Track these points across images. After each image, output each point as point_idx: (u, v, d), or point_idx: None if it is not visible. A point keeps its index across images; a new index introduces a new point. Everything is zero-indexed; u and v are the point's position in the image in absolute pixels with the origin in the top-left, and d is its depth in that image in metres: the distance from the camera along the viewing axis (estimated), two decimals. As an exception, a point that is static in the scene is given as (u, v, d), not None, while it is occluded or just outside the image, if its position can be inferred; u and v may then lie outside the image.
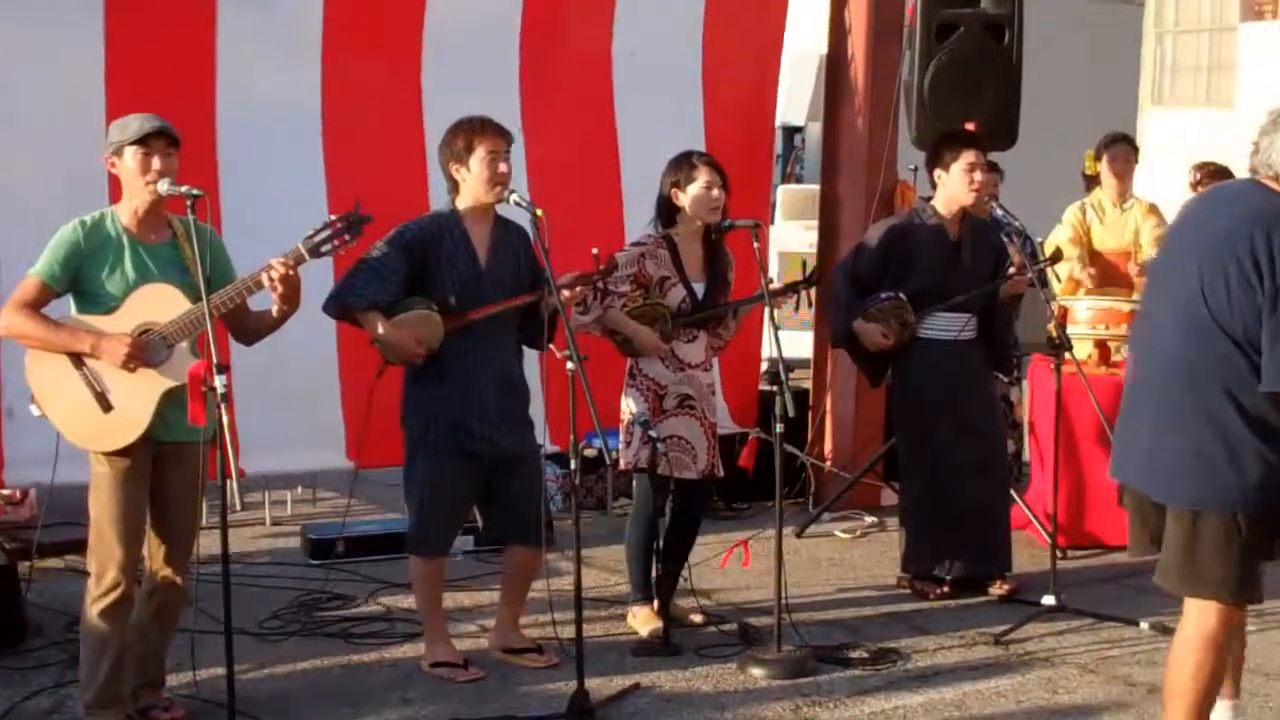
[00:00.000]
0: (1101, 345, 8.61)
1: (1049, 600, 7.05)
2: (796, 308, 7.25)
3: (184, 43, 7.19)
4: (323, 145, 7.55)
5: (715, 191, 6.67)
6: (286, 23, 7.46)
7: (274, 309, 5.43)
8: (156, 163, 5.21)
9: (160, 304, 5.23)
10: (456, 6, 7.86)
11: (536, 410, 6.45)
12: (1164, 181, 11.38)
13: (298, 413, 7.45)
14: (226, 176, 7.24)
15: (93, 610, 5.32)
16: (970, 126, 8.01)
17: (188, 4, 7.21)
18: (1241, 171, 5.00)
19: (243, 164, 7.28)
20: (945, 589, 7.43)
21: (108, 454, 5.25)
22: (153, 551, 5.45)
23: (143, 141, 5.20)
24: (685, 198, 6.69)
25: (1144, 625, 6.90)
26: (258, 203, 7.11)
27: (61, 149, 6.61)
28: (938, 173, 7.42)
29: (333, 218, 5.48)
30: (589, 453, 8.31)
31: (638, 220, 7.03)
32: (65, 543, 7.03)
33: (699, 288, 6.78)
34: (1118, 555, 8.22)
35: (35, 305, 5.22)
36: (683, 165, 6.73)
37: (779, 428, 6.33)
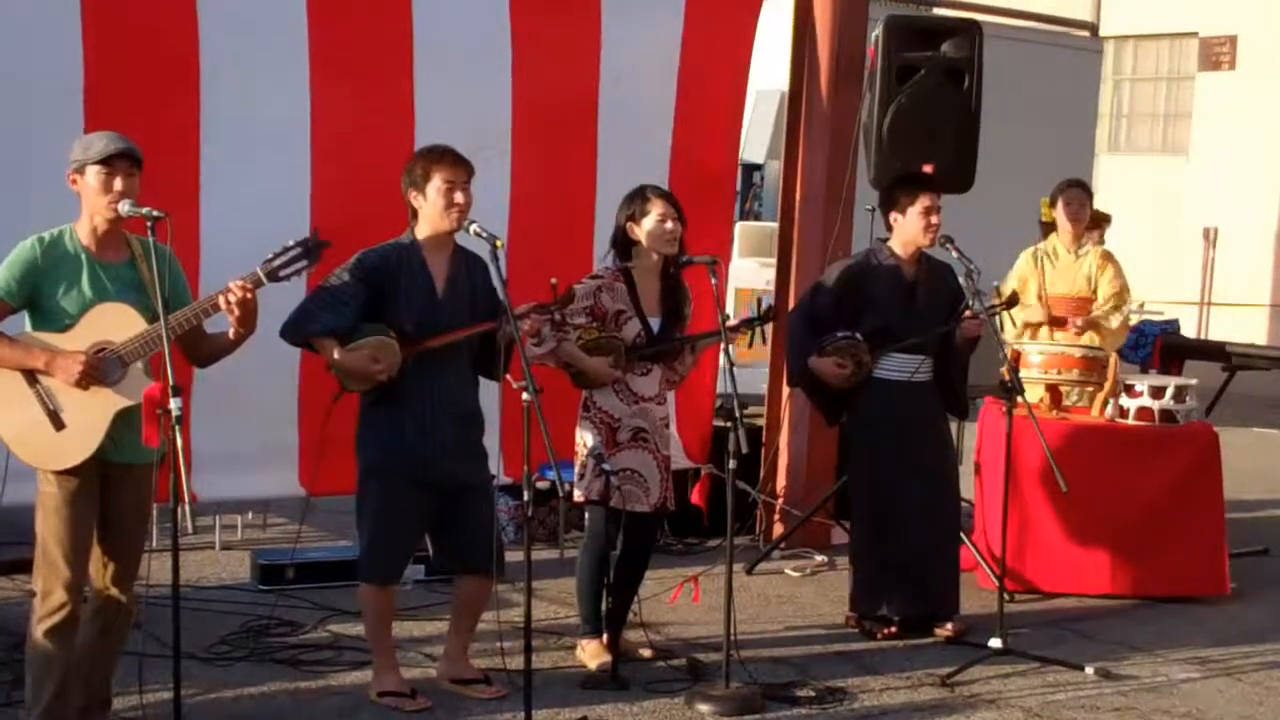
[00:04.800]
0: (1053, 389, 8.67)
1: (995, 643, 7.06)
2: (750, 343, 7.26)
3: (165, 59, 7.12)
4: (310, 164, 7.48)
5: (669, 224, 6.70)
6: (271, 40, 7.38)
7: (230, 331, 5.42)
8: (118, 183, 5.20)
9: (116, 323, 5.22)
10: (444, 26, 7.82)
11: (491, 441, 6.45)
12: (1118, 227, 11.43)
13: (253, 437, 7.40)
14: (208, 194, 7.19)
15: (38, 630, 5.29)
16: (927, 168, 8.07)
17: (168, 19, 7.14)
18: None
19: (225, 182, 7.22)
20: (893, 629, 7.45)
21: (57, 473, 5.23)
22: (99, 571, 5.43)
23: (105, 161, 5.20)
24: (641, 231, 6.72)
25: (1089, 670, 6.94)
26: (239, 222, 7.04)
27: (39, 166, 6.53)
28: (893, 215, 7.47)
29: (291, 242, 5.48)
30: (541, 484, 8.30)
31: (606, 250, 7.04)
32: (13, 562, 6.99)
33: (655, 322, 6.79)
34: (1064, 600, 8.27)
35: (-11, 320, 5.20)
36: (636, 199, 6.77)
37: (732, 464, 6.35)
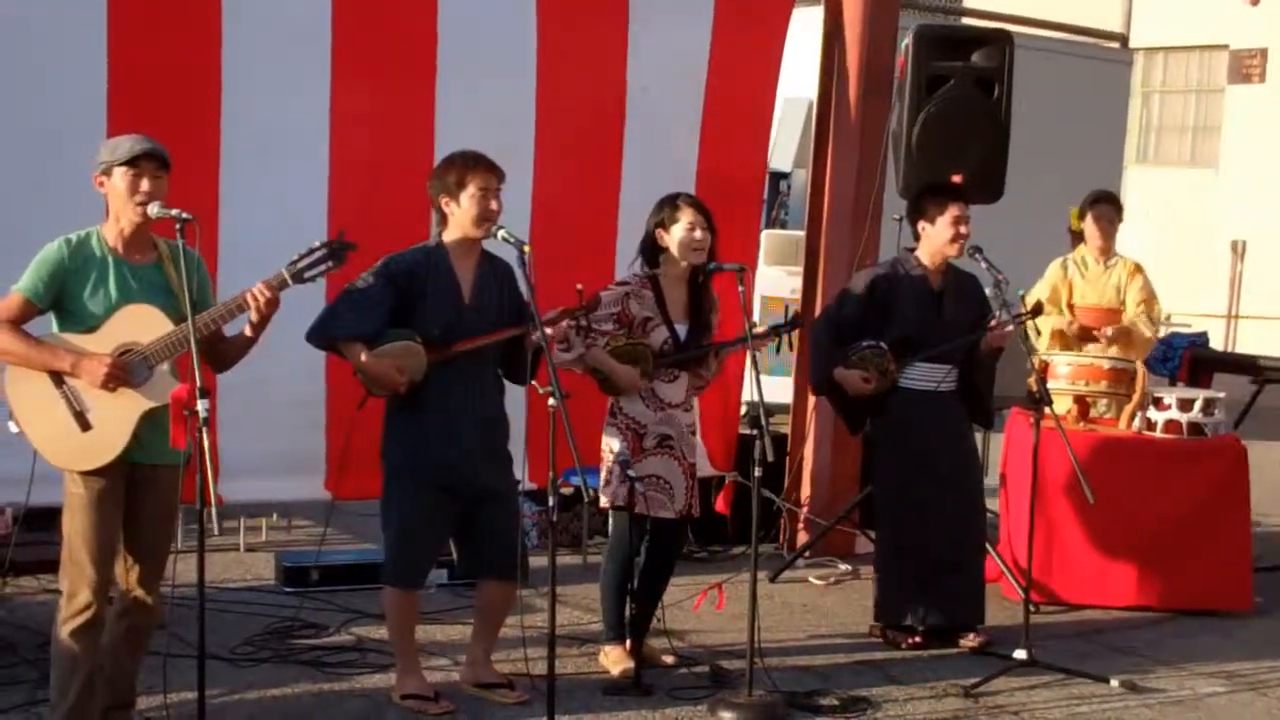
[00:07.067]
0: (1080, 401, 8.64)
1: (1020, 654, 7.03)
2: (778, 350, 7.24)
3: (187, 65, 7.12)
4: (329, 169, 7.48)
5: (698, 233, 6.69)
6: (294, 45, 7.37)
7: (246, 329, 5.42)
8: (145, 184, 5.21)
9: (142, 325, 5.23)
10: (469, 33, 7.82)
11: (516, 446, 6.45)
12: (1146, 240, 11.41)
13: (280, 441, 7.40)
14: (227, 198, 7.19)
15: (63, 630, 5.30)
16: (956, 179, 8.05)
17: (191, 24, 7.14)
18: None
19: (245, 187, 7.23)
20: (917, 639, 7.43)
21: (83, 474, 5.24)
22: (124, 572, 5.43)
23: (132, 163, 5.21)
24: (669, 238, 6.71)
25: (1114, 682, 6.91)
26: (258, 227, 7.05)
27: (62, 170, 6.55)
28: (921, 224, 7.45)
29: (317, 244, 5.49)
30: (566, 490, 8.30)
31: (628, 258, 7.03)
32: (39, 562, 7.01)
33: (682, 329, 6.79)
34: (1089, 612, 8.24)
35: (17, 321, 5.20)
36: (667, 205, 6.76)
37: (757, 472, 6.34)
